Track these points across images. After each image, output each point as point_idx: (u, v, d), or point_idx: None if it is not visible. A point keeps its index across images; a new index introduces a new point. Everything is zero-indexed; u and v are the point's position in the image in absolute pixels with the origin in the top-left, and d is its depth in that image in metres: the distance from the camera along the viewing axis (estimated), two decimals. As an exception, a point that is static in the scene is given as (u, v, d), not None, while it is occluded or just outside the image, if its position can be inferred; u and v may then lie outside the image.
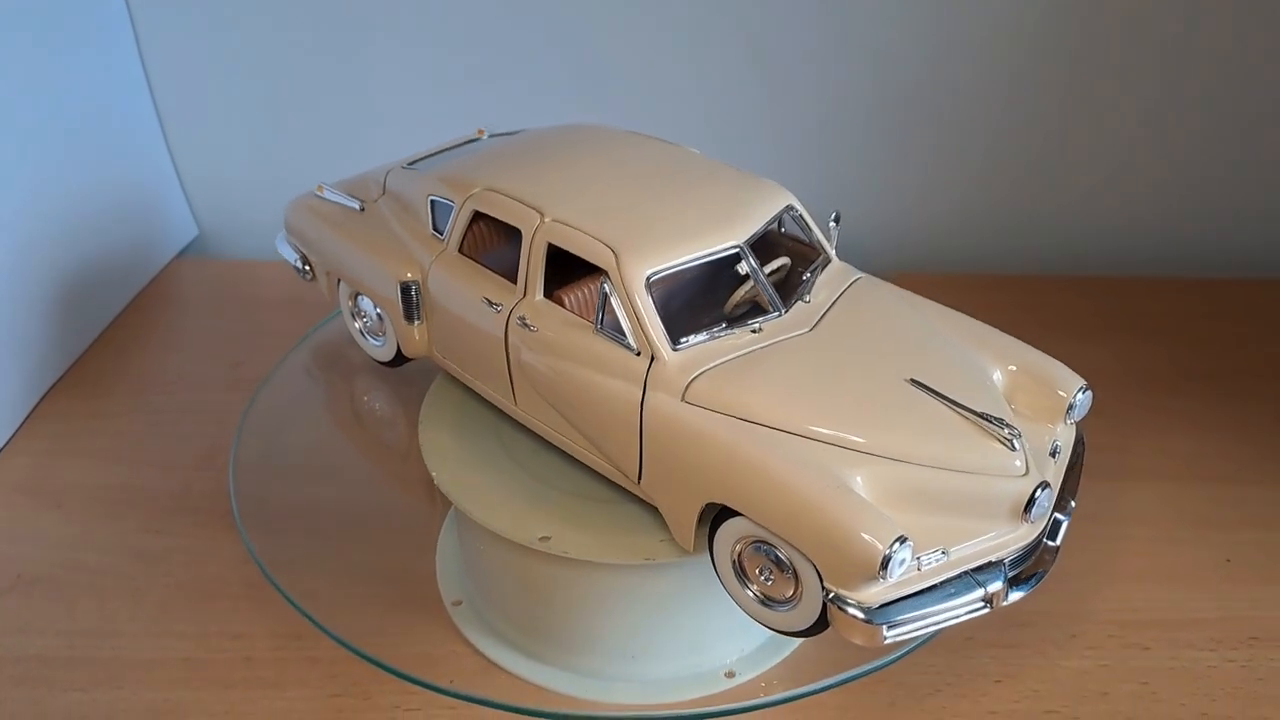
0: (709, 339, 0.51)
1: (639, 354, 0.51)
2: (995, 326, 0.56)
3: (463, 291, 0.59)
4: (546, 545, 0.52)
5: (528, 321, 0.55)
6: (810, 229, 0.58)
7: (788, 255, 0.57)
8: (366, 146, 1.00)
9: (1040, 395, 0.53)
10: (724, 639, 0.58)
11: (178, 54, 0.97)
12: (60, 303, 0.85)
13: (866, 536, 0.43)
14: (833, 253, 0.58)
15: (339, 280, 0.70)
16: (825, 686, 0.53)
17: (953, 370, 0.51)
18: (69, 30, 0.88)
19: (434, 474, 0.57)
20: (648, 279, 0.51)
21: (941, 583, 0.46)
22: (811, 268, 0.56)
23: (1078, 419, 0.54)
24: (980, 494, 0.47)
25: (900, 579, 0.45)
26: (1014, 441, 0.48)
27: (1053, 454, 0.52)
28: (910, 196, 1.03)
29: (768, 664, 0.58)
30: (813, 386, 0.49)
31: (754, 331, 0.52)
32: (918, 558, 0.45)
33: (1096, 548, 0.68)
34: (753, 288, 0.54)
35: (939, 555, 0.46)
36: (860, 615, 0.44)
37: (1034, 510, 0.47)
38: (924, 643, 0.53)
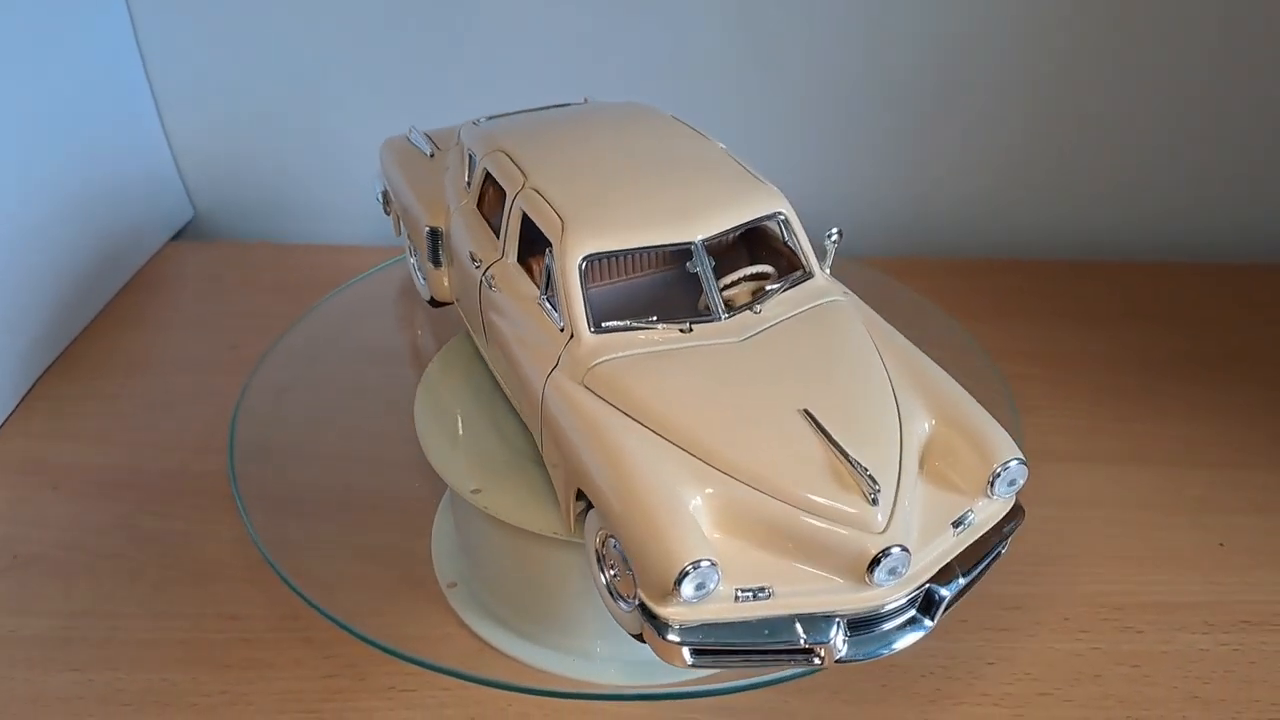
0: (631, 328, 0.51)
1: (562, 330, 0.51)
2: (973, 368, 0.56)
3: (462, 245, 0.61)
4: (475, 498, 0.54)
5: (494, 281, 0.57)
6: (797, 240, 0.56)
7: (773, 263, 0.56)
8: (366, 129, 1.00)
9: (967, 460, 0.48)
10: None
11: (174, 34, 0.96)
12: (56, 284, 0.85)
13: (668, 549, 0.42)
14: (818, 268, 0.56)
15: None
16: (816, 669, 0.53)
17: (859, 412, 0.48)
18: (62, 10, 0.87)
19: (425, 449, 0.58)
20: (585, 257, 0.51)
21: (762, 620, 0.45)
22: (785, 279, 0.55)
23: (1008, 492, 0.48)
24: (826, 542, 0.44)
25: (703, 602, 0.43)
26: (876, 496, 0.44)
27: (957, 524, 0.47)
28: (924, 180, 1.03)
29: (762, 646, 0.59)
30: (702, 396, 0.48)
31: (683, 330, 0.51)
32: (738, 590, 0.44)
33: (1090, 531, 0.69)
34: (730, 282, 0.54)
35: (762, 592, 0.44)
36: (657, 630, 0.44)
37: (878, 572, 0.44)
38: (775, 682, 0.52)
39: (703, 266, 0.52)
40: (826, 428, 0.46)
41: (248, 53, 0.97)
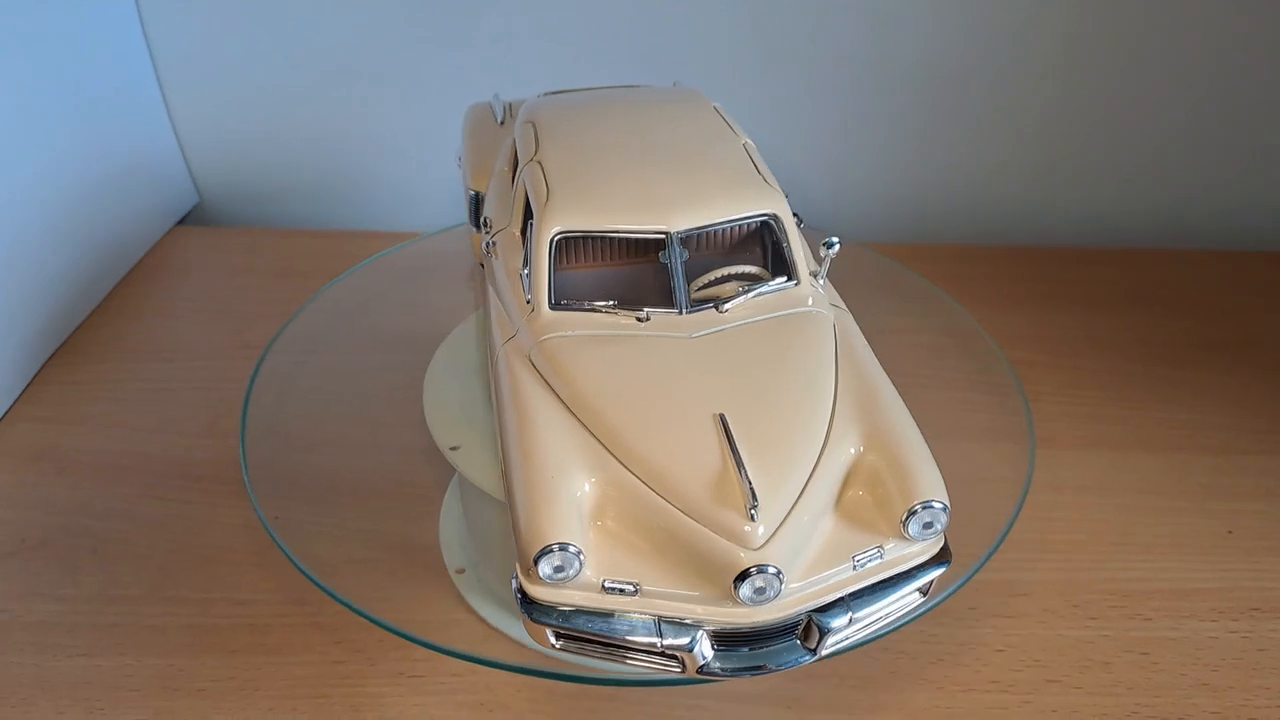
0: (587, 309, 0.51)
1: (529, 302, 0.52)
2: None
3: (488, 210, 0.62)
4: (452, 455, 0.56)
5: (494, 248, 0.58)
6: (788, 244, 0.54)
7: (766, 265, 0.55)
8: (374, 112, 1.00)
9: (887, 494, 0.46)
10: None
11: (179, 17, 0.96)
12: (61, 270, 0.85)
13: (536, 527, 0.43)
14: (806, 276, 0.54)
15: None
16: (821, 656, 0.53)
17: (779, 426, 0.47)
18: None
19: (431, 428, 0.58)
20: (558, 233, 0.52)
21: (624, 616, 0.45)
22: (764, 283, 0.54)
23: (923, 535, 0.46)
24: (700, 549, 0.44)
25: (568, 587, 0.44)
26: (754, 512, 0.43)
27: (861, 558, 0.46)
28: (933, 167, 1.03)
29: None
30: (627, 384, 0.48)
31: (639, 319, 0.51)
32: (606, 581, 0.44)
33: (1098, 517, 0.68)
34: (713, 280, 0.53)
35: (629, 588, 0.45)
36: (523, 607, 0.45)
37: (743, 588, 0.43)
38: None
39: (672, 258, 0.52)
40: (734, 435, 0.45)
41: (253, 36, 0.97)
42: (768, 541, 0.43)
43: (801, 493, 0.45)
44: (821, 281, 0.55)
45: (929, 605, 0.51)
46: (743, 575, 0.43)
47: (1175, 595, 0.63)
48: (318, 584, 0.56)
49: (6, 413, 0.76)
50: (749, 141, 0.59)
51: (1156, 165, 1.02)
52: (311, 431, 0.72)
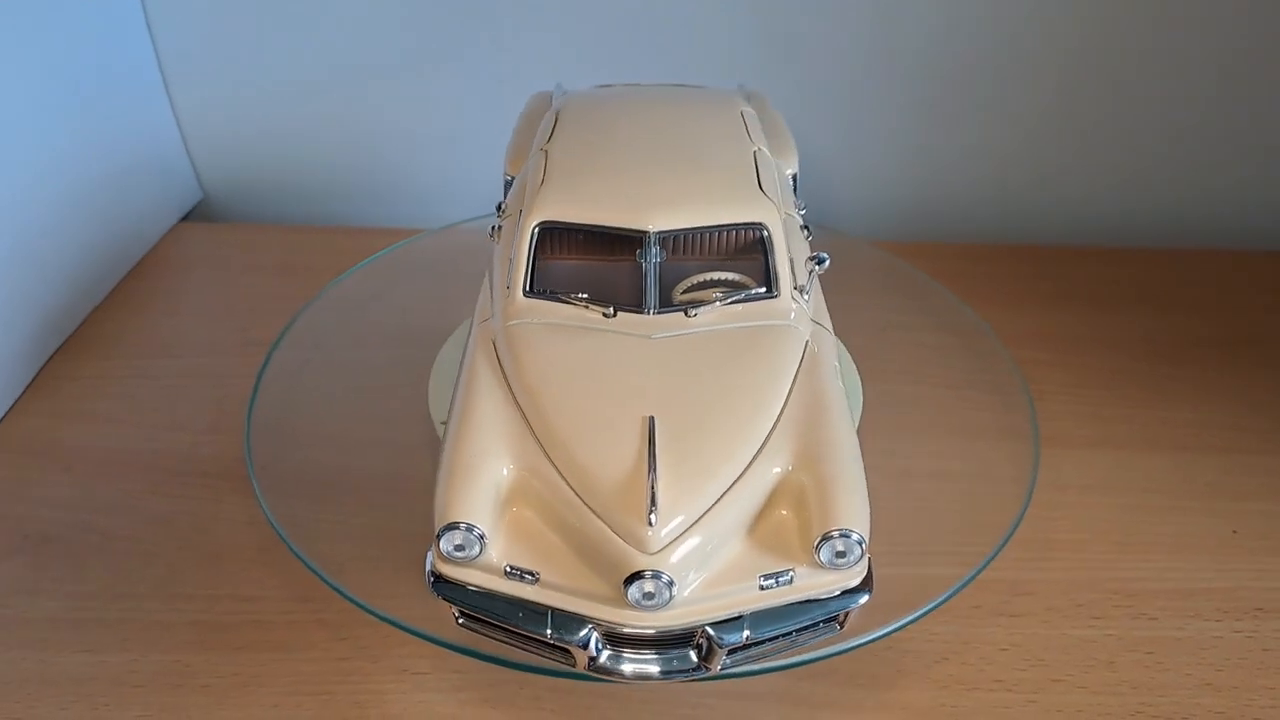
0: (559, 300, 0.53)
1: (508, 288, 0.53)
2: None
3: (508, 196, 0.64)
4: (441, 428, 0.56)
5: (496, 232, 0.59)
6: (773, 256, 0.54)
7: (751, 273, 0.55)
8: (379, 108, 1.00)
9: (808, 517, 0.46)
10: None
11: (183, 12, 0.96)
12: (64, 266, 0.85)
13: (444, 503, 0.45)
14: (788, 290, 0.54)
15: None
16: (829, 654, 0.53)
17: (708, 436, 0.47)
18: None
19: (436, 424, 0.58)
20: (541, 223, 0.53)
21: (520, 603, 0.46)
22: (741, 293, 0.54)
23: (834, 563, 0.46)
24: (600, 547, 0.45)
25: (471, 567, 0.46)
26: (652, 517, 0.44)
27: (769, 578, 0.46)
28: (936, 165, 1.02)
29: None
30: (571, 377, 0.49)
31: (606, 315, 0.52)
32: (509, 566, 0.45)
33: (1102, 516, 0.68)
34: (699, 280, 0.54)
35: (529, 575, 0.45)
36: (429, 580, 0.47)
37: (631, 590, 0.43)
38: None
39: (648, 257, 0.52)
40: (657, 440, 0.46)
41: (258, 31, 0.97)
42: (664, 548, 0.44)
43: (713, 505, 0.45)
44: (807, 298, 0.55)
45: (920, 614, 0.51)
46: (632, 578, 0.43)
47: (1180, 595, 0.63)
48: (325, 580, 0.56)
49: (11, 409, 0.76)
50: (762, 150, 0.59)
51: (1161, 163, 1.01)
52: (317, 428, 0.72)
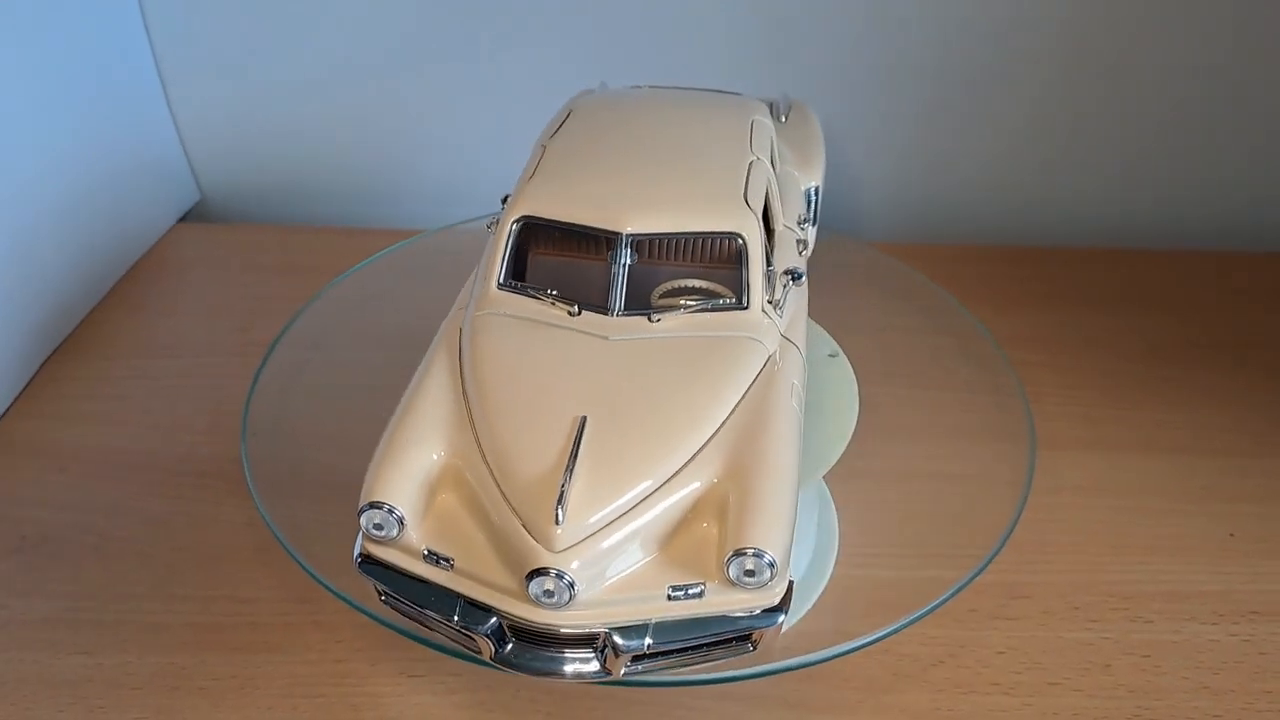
0: (528, 294, 0.53)
1: (488, 279, 0.54)
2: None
3: None
4: None
5: (493, 223, 0.59)
6: (747, 268, 0.53)
7: (728, 283, 0.54)
8: (378, 109, 1.00)
9: (726, 532, 0.45)
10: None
11: (181, 12, 0.96)
12: (62, 266, 0.85)
13: (370, 481, 0.46)
14: (759, 303, 0.53)
15: None
16: (826, 657, 0.54)
17: (636, 442, 0.46)
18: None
19: None
20: (521, 218, 0.54)
21: (433, 587, 0.47)
22: (710, 302, 0.53)
23: (744, 581, 0.44)
24: (510, 539, 0.45)
25: (391, 547, 0.47)
26: (559, 514, 0.43)
27: (678, 590, 0.45)
28: (930, 167, 1.02)
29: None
30: (519, 371, 0.50)
31: (570, 313, 0.52)
32: (428, 549, 0.46)
33: (1098, 519, 0.68)
34: (675, 286, 0.54)
35: (444, 560, 0.46)
36: (356, 559, 0.48)
37: (532, 586, 0.43)
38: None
39: (618, 258, 0.53)
40: (583, 439, 0.46)
41: (256, 31, 0.97)
42: (569, 548, 0.44)
43: (628, 510, 0.45)
44: (780, 313, 0.55)
45: (916, 617, 0.51)
46: (534, 574, 0.43)
47: (1176, 598, 0.63)
48: (322, 582, 0.56)
49: (8, 409, 0.76)
50: (760, 160, 0.59)
51: (1157, 164, 1.01)
52: (315, 429, 0.72)
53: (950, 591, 0.56)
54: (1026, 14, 0.92)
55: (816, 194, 0.74)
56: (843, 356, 0.66)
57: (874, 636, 0.54)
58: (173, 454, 0.72)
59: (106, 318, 0.87)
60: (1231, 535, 0.67)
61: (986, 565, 0.58)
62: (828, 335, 0.68)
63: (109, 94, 0.93)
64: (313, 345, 0.76)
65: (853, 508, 0.67)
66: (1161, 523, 0.68)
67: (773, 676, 0.54)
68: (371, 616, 0.54)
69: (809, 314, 0.67)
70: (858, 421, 0.60)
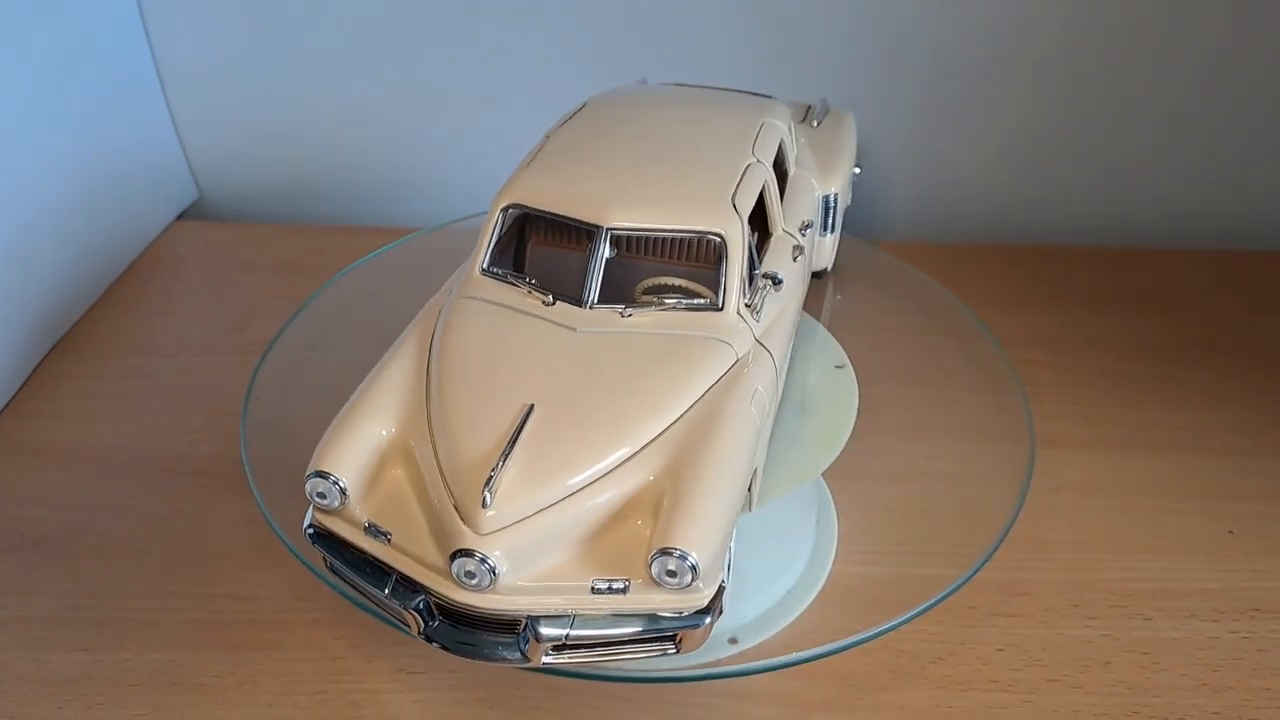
0: (508, 281, 0.54)
1: (472, 264, 0.55)
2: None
3: None
4: None
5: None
6: (726, 270, 0.53)
7: (708, 283, 0.54)
8: (376, 107, 1.00)
9: (650, 533, 0.45)
10: (726, 607, 0.58)
11: (179, 12, 0.96)
12: (60, 265, 0.85)
13: (319, 451, 0.47)
14: (735, 306, 0.53)
15: None
16: (825, 653, 0.53)
17: (578, 433, 0.46)
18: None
19: None
20: (509, 205, 0.55)
21: (368, 560, 0.48)
22: (684, 301, 0.53)
23: (666, 581, 0.44)
24: (441, 519, 0.45)
25: (335, 517, 0.48)
26: (487, 497, 0.43)
27: (602, 584, 0.45)
28: (931, 167, 1.03)
29: (769, 632, 0.58)
30: (483, 356, 0.50)
31: (545, 302, 0.53)
32: (369, 522, 0.47)
33: (1099, 517, 0.68)
34: (657, 283, 0.54)
35: (382, 534, 0.47)
36: (306, 528, 0.49)
37: (454, 566, 0.44)
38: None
39: (596, 251, 0.53)
40: (525, 427, 0.46)
41: (254, 31, 0.97)
42: (494, 532, 0.44)
43: (560, 500, 0.45)
44: (758, 317, 0.54)
45: (916, 614, 0.51)
46: (457, 554, 0.44)
47: (1176, 595, 0.63)
48: (322, 578, 0.56)
49: (5, 407, 0.76)
50: (759, 163, 0.59)
51: (1158, 164, 1.01)
52: (313, 427, 0.72)
53: (949, 589, 0.56)
54: (1025, 14, 0.93)
55: (836, 201, 0.74)
56: (844, 356, 0.66)
57: (873, 633, 0.54)
58: (171, 452, 0.72)
59: (105, 316, 0.87)
60: (1231, 533, 0.67)
61: (985, 562, 0.58)
62: (839, 347, 0.67)
63: (108, 93, 0.93)
64: (311, 344, 0.76)
65: (852, 506, 0.67)
66: (1161, 521, 0.68)
67: (768, 674, 0.54)
68: (369, 612, 0.54)
69: (824, 324, 0.67)
70: (857, 421, 0.60)
